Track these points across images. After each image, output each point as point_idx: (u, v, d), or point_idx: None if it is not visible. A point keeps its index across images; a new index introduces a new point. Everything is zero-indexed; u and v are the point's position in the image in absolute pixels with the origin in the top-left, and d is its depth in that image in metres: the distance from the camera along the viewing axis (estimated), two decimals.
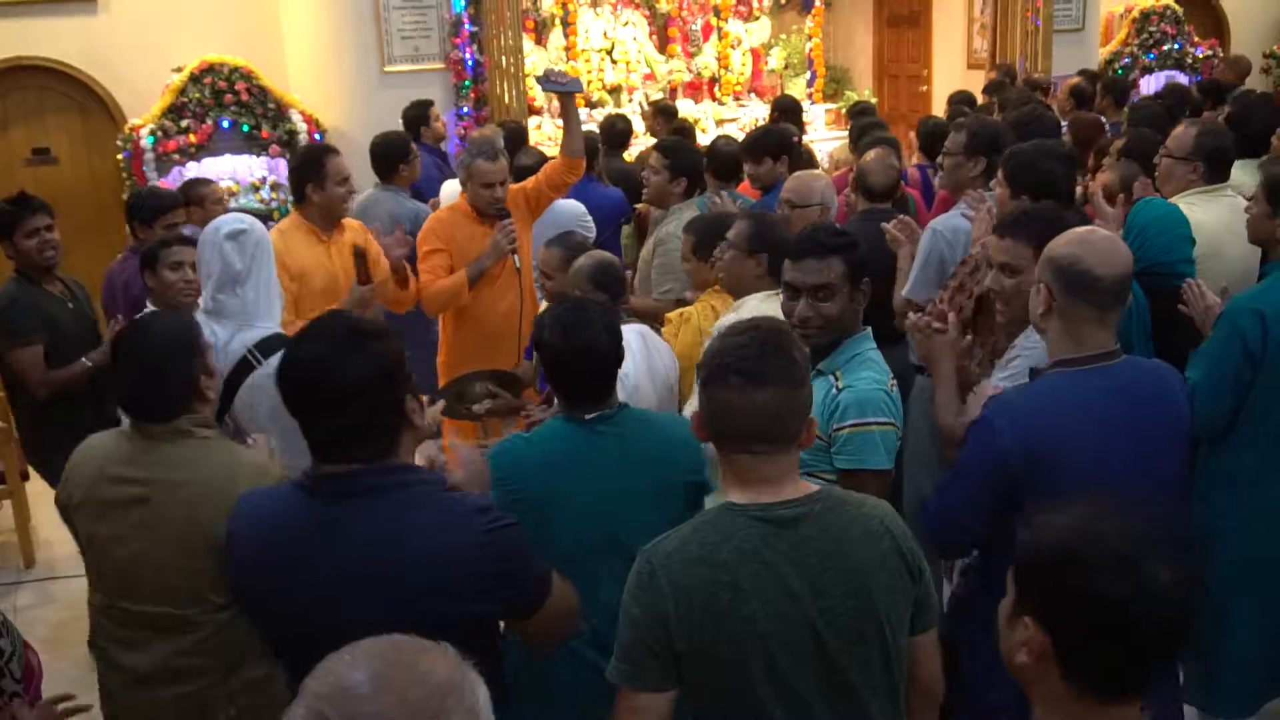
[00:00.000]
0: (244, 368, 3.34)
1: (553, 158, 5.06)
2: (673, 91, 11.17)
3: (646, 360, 3.37)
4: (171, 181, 7.96)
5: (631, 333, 3.28)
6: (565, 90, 4.90)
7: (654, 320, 3.93)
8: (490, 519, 2.01)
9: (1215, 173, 4.24)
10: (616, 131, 7.18)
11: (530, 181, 4.93)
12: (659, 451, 2.63)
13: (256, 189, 8.17)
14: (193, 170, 8.15)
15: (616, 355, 2.66)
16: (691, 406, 2.81)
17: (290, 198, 8.16)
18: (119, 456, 2.59)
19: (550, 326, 2.64)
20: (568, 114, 4.93)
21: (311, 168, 4.49)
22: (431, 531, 1.96)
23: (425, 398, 2.17)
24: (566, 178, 4.90)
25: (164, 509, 2.52)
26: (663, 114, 8.40)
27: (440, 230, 4.70)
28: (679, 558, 1.98)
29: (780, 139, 5.51)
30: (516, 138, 6.53)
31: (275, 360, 2.99)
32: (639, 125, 9.21)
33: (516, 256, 4.62)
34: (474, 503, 2.06)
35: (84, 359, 4.33)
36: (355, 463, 1.97)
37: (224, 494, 2.32)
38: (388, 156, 5.82)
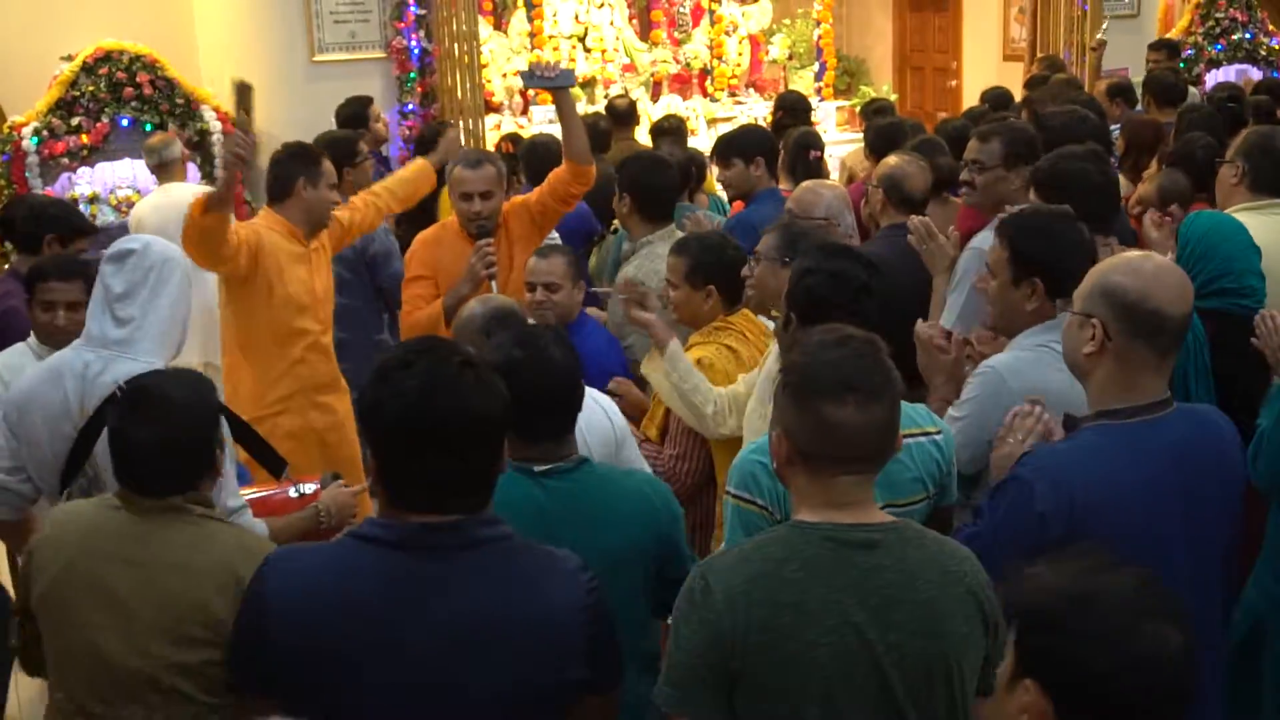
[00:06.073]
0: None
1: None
2: (656, 85, 11.17)
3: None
4: (59, 190, 7.99)
5: None
6: (555, 86, 4.89)
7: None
8: (590, 577, 2.17)
9: (1262, 177, 4.25)
10: (598, 132, 6.98)
11: (534, 194, 4.94)
12: (622, 513, 2.68)
13: None
14: (84, 177, 8.14)
15: (575, 379, 2.69)
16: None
17: None
18: (108, 533, 2.62)
19: (496, 347, 2.66)
20: (565, 113, 4.88)
21: (308, 161, 4.57)
22: (541, 589, 2.11)
23: None
24: (572, 188, 4.87)
25: (161, 593, 2.54)
26: (618, 119, 7.56)
27: (425, 254, 4.75)
28: (739, 573, 2.12)
29: (752, 137, 5.53)
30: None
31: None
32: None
33: (495, 283, 4.55)
34: (570, 559, 2.19)
35: None
36: (455, 513, 2.06)
37: (231, 579, 2.48)
38: (331, 160, 5.62)
